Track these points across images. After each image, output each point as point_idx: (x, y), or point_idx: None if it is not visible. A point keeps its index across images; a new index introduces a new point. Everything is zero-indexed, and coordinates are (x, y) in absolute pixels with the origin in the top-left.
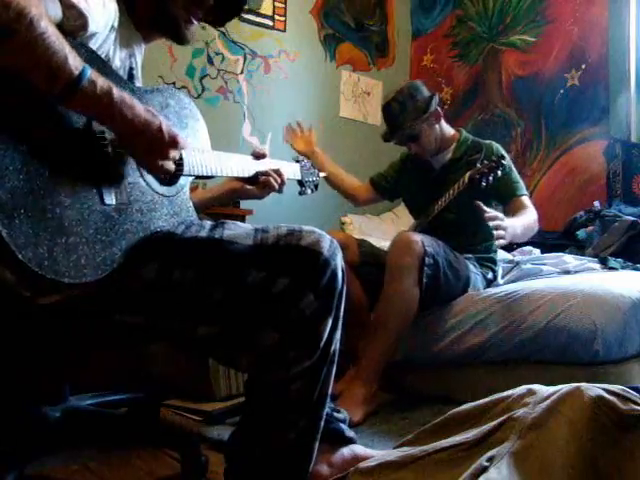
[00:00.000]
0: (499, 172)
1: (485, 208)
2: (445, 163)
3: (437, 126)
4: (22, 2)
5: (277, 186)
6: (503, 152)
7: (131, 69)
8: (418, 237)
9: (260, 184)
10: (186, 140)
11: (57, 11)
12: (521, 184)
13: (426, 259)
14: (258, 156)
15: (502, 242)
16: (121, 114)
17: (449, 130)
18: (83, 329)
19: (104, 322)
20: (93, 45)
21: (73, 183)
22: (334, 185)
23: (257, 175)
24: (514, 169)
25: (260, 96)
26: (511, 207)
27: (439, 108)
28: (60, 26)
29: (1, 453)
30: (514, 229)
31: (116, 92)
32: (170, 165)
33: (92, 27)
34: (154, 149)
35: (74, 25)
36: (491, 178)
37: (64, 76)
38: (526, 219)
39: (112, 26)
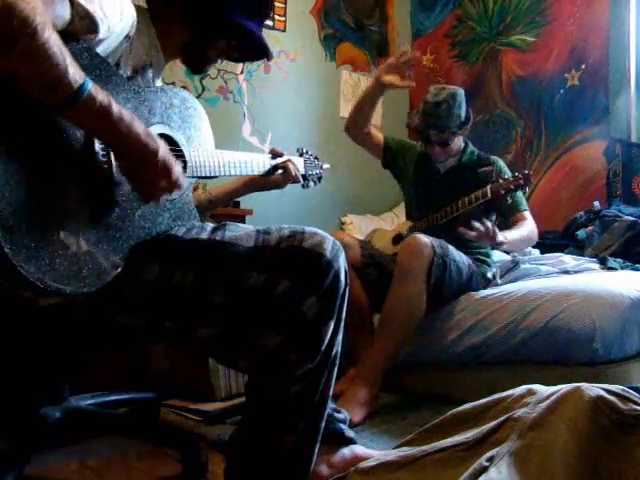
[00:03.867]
0: (527, 189)
1: (469, 232)
2: (451, 167)
3: (461, 137)
4: (26, 10)
5: (294, 173)
6: (509, 172)
7: (150, 79)
8: (428, 240)
9: (280, 174)
10: (183, 177)
11: (65, 14)
12: (523, 200)
13: (435, 260)
14: (276, 154)
15: (498, 246)
16: (118, 131)
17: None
18: (84, 330)
19: (105, 323)
20: (103, 50)
21: (75, 194)
22: (368, 114)
23: (273, 168)
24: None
25: (260, 96)
26: (512, 221)
27: None
28: (67, 29)
29: (1, 453)
30: (505, 237)
31: (115, 108)
32: (157, 194)
33: (103, 34)
34: (145, 172)
35: (83, 29)
36: (518, 194)
37: (63, 89)
38: (523, 231)
39: (127, 35)
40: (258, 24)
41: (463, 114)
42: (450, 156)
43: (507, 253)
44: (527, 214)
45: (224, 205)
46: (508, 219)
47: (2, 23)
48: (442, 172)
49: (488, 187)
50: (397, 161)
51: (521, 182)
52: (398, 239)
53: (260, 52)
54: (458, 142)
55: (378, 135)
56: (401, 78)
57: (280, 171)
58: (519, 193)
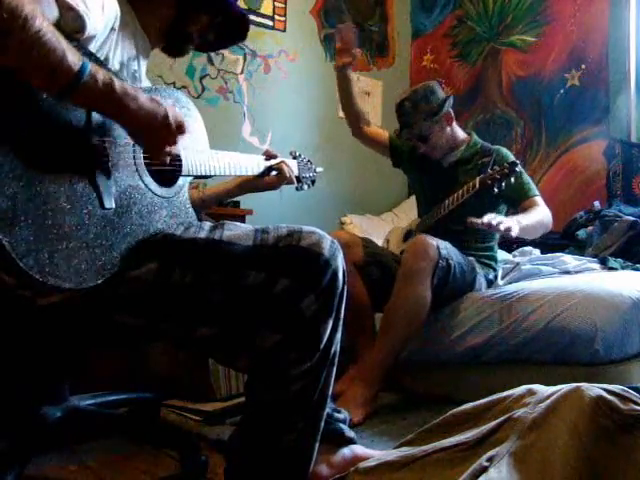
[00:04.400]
0: (512, 179)
1: (477, 221)
2: (453, 162)
3: (448, 128)
4: (14, 1)
5: (288, 174)
6: (513, 157)
7: (134, 71)
8: (434, 241)
9: (274, 175)
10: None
11: (53, 12)
12: (531, 185)
13: (440, 262)
14: (270, 156)
15: (512, 234)
16: (125, 106)
17: (460, 133)
18: (83, 329)
19: (104, 323)
20: (92, 47)
21: (73, 188)
22: (349, 102)
23: (267, 170)
24: (524, 171)
25: (260, 96)
26: (522, 208)
27: (451, 110)
28: (56, 28)
29: (1, 453)
30: (518, 222)
31: (118, 84)
32: (176, 149)
33: (90, 29)
34: (161, 137)
35: (71, 27)
36: (504, 184)
37: (64, 73)
38: (533, 216)
39: (112, 28)
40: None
41: (434, 105)
42: (448, 150)
43: (509, 248)
44: (538, 199)
45: (222, 205)
46: (517, 207)
47: None
48: (445, 167)
49: (477, 178)
50: (403, 157)
51: (506, 171)
52: (408, 235)
53: (239, 28)
54: (448, 135)
55: (384, 134)
56: (348, 55)
57: (274, 172)
58: (526, 179)
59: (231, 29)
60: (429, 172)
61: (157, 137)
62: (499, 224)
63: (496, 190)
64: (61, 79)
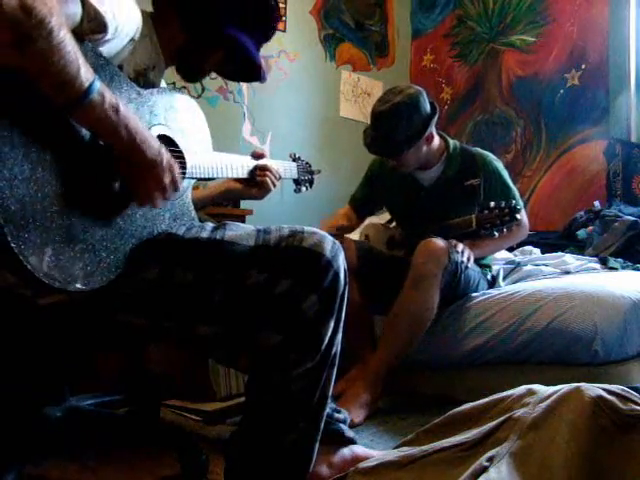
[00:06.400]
0: (513, 226)
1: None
2: (435, 181)
3: (425, 147)
4: (44, 10)
5: (273, 186)
6: (498, 164)
7: (151, 82)
8: (444, 244)
9: (257, 184)
10: (181, 181)
11: (77, 14)
12: (515, 198)
13: (448, 266)
14: (257, 156)
15: (469, 264)
16: (125, 129)
17: (437, 142)
18: (84, 329)
19: (105, 322)
20: (107, 51)
21: (80, 191)
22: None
23: (254, 170)
24: (510, 182)
25: (260, 96)
26: None
27: (434, 129)
28: (75, 29)
29: (1, 453)
30: (472, 252)
31: (123, 108)
32: (158, 197)
33: (110, 35)
34: (149, 170)
35: (90, 29)
36: (505, 229)
37: (74, 88)
38: (491, 241)
39: (132, 38)
40: (256, 43)
41: (416, 124)
42: (427, 164)
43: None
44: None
45: (220, 205)
46: None
47: (20, 23)
48: (426, 187)
49: (473, 217)
50: (375, 199)
51: (507, 219)
52: (391, 242)
53: (253, 73)
54: (424, 153)
55: (350, 214)
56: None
57: (259, 175)
58: (512, 194)
59: (248, 66)
60: (410, 194)
61: (145, 168)
62: (463, 253)
63: (495, 234)
64: (69, 93)
